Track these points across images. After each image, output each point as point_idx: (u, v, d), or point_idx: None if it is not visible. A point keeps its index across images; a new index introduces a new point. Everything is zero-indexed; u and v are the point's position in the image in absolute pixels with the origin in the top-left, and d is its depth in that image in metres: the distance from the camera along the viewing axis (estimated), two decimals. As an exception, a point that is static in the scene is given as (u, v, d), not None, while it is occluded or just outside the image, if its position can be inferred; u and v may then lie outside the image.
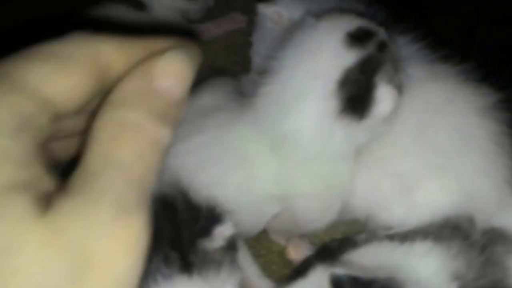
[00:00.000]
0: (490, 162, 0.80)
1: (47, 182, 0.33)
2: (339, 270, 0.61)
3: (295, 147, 0.77)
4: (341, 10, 0.85)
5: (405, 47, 0.89)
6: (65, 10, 1.18)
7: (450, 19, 1.01)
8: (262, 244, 0.91)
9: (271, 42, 0.92)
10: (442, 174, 0.79)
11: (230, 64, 1.26)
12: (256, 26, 1.01)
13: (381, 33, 0.80)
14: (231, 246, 0.69)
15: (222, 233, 0.69)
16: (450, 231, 0.69)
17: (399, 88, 0.79)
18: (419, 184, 0.78)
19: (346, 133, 0.76)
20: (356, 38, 0.77)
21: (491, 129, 0.81)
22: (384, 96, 0.77)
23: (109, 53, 0.39)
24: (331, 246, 0.79)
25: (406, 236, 0.71)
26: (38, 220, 0.30)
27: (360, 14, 0.82)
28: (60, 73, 0.36)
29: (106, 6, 1.24)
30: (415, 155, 0.80)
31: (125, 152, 0.34)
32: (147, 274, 0.64)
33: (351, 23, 0.79)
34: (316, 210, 0.83)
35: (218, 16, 1.36)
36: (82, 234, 0.31)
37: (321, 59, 0.77)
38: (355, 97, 0.76)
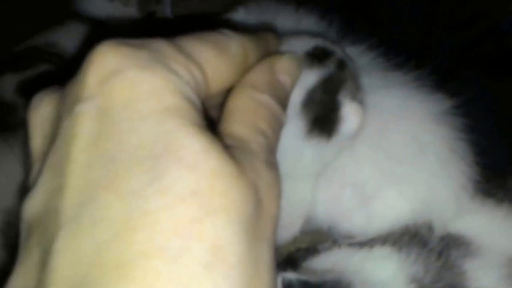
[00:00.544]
0: (446, 168, 0.80)
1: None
2: (291, 275, 0.62)
3: None
4: (294, 29, 0.86)
5: (359, 57, 0.90)
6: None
7: (405, 26, 1.03)
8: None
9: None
10: (400, 182, 0.79)
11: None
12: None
13: (338, 51, 0.80)
14: None
15: None
16: (408, 238, 0.70)
17: (362, 104, 0.80)
18: (377, 193, 0.79)
19: (315, 152, 0.77)
20: (315, 57, 0.77)
21: (447, 135, 0.82)
22: (350, 114, 0.77)
23: (251, 49, 0.47)
24: (295, 256, 0.80)
25: (365, 243, 0.72)
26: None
27: (313, 32, 0.83)
28: (220, 61, 0.43)
29: (68, 26, 1.24)
30: (372, 165, 0.81)
31: (265, 124, 0.43)
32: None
33: (307, 42, 0.79)
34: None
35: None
36: (253, 174, 0.38)
37: None
38: (321, 117, 0.76)
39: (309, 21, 0.96)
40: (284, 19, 0.96)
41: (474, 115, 0.84)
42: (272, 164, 0.42)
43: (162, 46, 0.41)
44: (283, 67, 0.49)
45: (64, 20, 1.25)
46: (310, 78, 0.76)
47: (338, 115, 0.77)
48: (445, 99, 0.84)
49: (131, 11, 1.30)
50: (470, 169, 0.82)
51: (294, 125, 0.76)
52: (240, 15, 0.96)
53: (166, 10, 1.33)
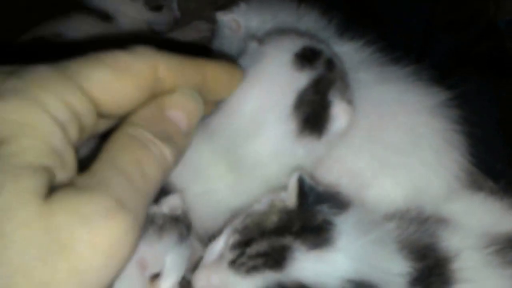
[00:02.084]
0: (439, 159, 0.86)
1: (67, 172, 0.39)
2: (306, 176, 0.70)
3: (254, 167, 0.82)
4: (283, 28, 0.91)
5: (358, 52, 0.96)
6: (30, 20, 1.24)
7: (405, 24, 1.08)
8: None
9: (228, 49, 0.98)
10: (395, 171, 0.85)
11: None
12: (215, 33, 1.07)
13: (326, 50, 0.85)
14: (176, 217, 0.75)
15: (168, 202, 0.76)
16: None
17: (351, 102, 0.85)
18: (374, 180, 0.84)
19: (307, 150, 0.81)
20: (304, 58, 0.82)
21: (441, 126, 0.88)
22: (339, 112, 0.82)
23: (165, 70, 0.45)
24: None
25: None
26: (39, 201, 0.35)
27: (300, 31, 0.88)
28: (116, 82, 0.42)
29: (73, 17, 1.30)
30: (369, 155, 0.86)
31: (129, 159, 0.40)
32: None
33: (296, 43, 0.84)
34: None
35: (183, 25, 1.43)
36: (68, 220, 0.36)
37: (274, 85, 0.82)
38: (312, 117, 0.81)
39: (310, 18, 1.02)
40: (286, 15, 1.02)
41: (469, 109, 0.90)
42: (120, 205, 0.37)
43: (37, 73, 0.39)
44: (174, 102, 0.46)
45: (70, 12, 1.31)
46: (301, 80, 0.81)
47: (328, 114, 0.82)
48: (441, 92, 0.90)
49: (137, 5, 1.36)
50: (463, 159, 0.88)
51: (285, 127, 0.80)
52: (241, 10, 1.02)
53: (173, 4, 1.39)
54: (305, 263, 0.63)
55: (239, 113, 0.81)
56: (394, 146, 0.86)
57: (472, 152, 0.89)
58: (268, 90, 0.82)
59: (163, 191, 0.78)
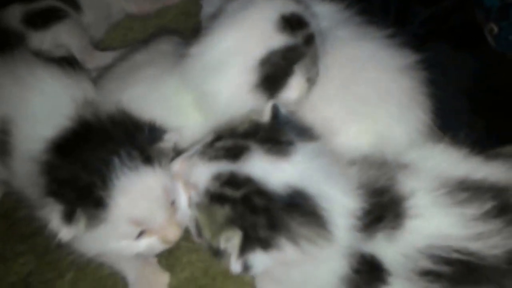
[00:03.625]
0: (403, 112, 0.95)
1: None
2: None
3: (213, 105, 0.92)
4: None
5: (338, 12, 1.05)
6: None
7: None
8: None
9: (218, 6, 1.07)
10: (362, 120, 0.93)
11: (182, 29, 1.40)
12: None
13: (313, 25, 0.93)
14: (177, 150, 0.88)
15: (170, 138, 0.86)
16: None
17: (312, 81, 0.94)
18: (342, 128, 0.92)
19: (255, 105, 0.89)
20: (289, 24, 0.90)
21: (408, 85, 0.97)
22: (295, 85, 0.92)
23: None
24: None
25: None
26: None
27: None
28: None
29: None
30: (339, 103, 0.94)
31: None
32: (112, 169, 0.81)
33: (287, 6, 0.92)
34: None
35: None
36: None
37: (252, 35, 0.91)
38: (271, 78, 0.90)
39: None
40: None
41: (436, 73, 1.00)
42: None
43: None
44: None
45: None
46: (277, 41, 0.90)
47: (286, 81, 0.91)
48: (412, 55, 0.99)
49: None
50: (425, 116, 0.97)
51: (246, 76, 0.90)
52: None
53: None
54: (258, 162, 0.74)
55: (212, 49, 0.91)
56: (363, 97, 0.94)
57: (434, 111, 0.98)
58: (245, 37, 0.91)
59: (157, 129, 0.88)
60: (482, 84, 1.07)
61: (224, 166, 0.75)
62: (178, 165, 0.82)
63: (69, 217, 0.80)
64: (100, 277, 1.02)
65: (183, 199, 0.82)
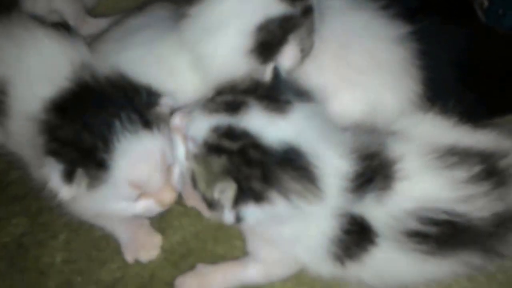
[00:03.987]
0: (395, 82, 0.97)
1: None
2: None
3: (208, 67, 0.93)
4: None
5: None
6: None
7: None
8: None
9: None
10: (354, 88, 0.95)
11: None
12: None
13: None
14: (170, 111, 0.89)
15: (166, 102, 0.88)
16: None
17: (306, 52, 0.95)
18: (335, 95, 0.94)
19: (248, 70, 0.91)
20: None
21: (402, 56, 0.99)
22: (288, 54, 0.93)
23: None
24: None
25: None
26: None
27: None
28: None
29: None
30: (333, 71, 0.96)
31: None
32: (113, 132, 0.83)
33: None
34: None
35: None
36: None
37: (252, 0, 0.92)
38: (266, 44, 0.92)
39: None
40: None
41: (428, 46, 1.03)
42: None
43: None
44: None
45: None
46: (275, 9, 0.91)
47: (280, 49, 0.93)
48: (405, 26, 1.01)
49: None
50: (416, 86, 0.99)
51: (242, 41, 0.91)
52: None
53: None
54: (256, 117, 0.77)
55: (212, 10, 0.92)
56: (356, 66, 0.96)
57: (424, 82, 1.01)
58: (245, 2, 0.92)
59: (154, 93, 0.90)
60: (471, 57, 1.09)
61: (222, 119, 0.77)
62: (178, 118, 0.84)
63: (69, 176, 0.82)
64: (93, 239, 1.04)
65: (181, 152, 0.84)
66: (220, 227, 1.02)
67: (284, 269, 0.92)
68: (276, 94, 0.80)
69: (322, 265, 0.84)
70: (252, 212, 0.75)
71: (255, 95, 0.79)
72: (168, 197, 0.90)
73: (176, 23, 0.98)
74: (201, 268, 0.96)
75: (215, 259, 0.98)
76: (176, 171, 0.91)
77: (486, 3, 1.10)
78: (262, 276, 0.92)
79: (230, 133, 0.76)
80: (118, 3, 1.47)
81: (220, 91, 0.83)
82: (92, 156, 0.83)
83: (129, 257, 1.01)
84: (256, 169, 0.74)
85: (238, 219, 0.76)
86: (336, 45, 0.98)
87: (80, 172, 0.82)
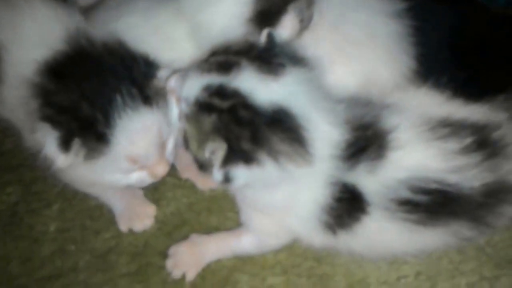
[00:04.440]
0: (390, 55, 0.99)
1: None
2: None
3: (206, 35, 0.95)
4: None
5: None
6: None
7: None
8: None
9: None
10: (349, 59, 0.97)
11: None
12: None
13: None
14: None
15: (163, 74, 0.89)
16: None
17: (305, 23, 0.97)
18: (330, 67, 0.93)
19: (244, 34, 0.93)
20: None
21: (396, 30, 1.01)
22: (287, 23, 0.95)
23: None
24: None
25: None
26: None
27: None
28: None
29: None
30: (328, 43, 0.98)
31: None
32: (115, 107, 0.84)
33: None
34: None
35: None
36: None
37: None
38: (265, 14, 0.93)
39: None
40: None
41: (423, 23, 1.04)
42: None
43: None
44: None
45: None
46: None
47: (279, 19, 0.94)
48: (399, 2, 1.03)
49: None
50: (410, 61, 1.01)
51: (241, 9, 0.93)
52: None
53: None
54: (247, 78, 0.79)
55: None
56: (352, 39, 0.98)
57: (418, 57, 1.03)
58: None
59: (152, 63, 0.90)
60: (463, 36, 1.10)
61: (214, 79, 0.79)
62: (173, 80, 0.86)
63: (66, 144, 0.82)
64: (87, 208, 1.06)
65: (175, 113, 0.86)
66: (214, 198, 1.04)
67: (277, 239, 0.93)
68: (270, 56, 0.81)
69: (314, 234, 0.85)
70: (241, 173, 0.77)
71: (248, 57, 0.80)
72: (161, 169, 0.92)
73: None
74: (195, 237, 0.97)
75: (209, 230, 1.00)
76: (170, 145, 0.92)
77: (481, -20, 1.11)
78: (255, 246, 0.94)
79: (221, 92, 0.78)
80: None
81: (214, 52, 0.84)
82: (92, 128, 0.84)
83: (123, 227, 1.02)
84: (245, 128, 0.76)
85: (227, 179, 0.78)
86: (333, 19, 1.00)
87: (77, 142, 0.83)
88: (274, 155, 0.76)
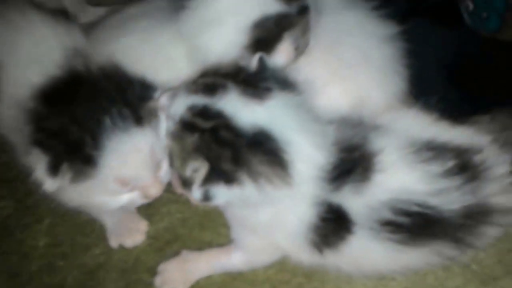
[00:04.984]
0: (383, 78, 1.05)
1: None
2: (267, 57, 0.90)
3: (204, 59, 0.99)
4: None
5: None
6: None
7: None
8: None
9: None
10: (343, 81, 1.02)
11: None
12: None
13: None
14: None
15: (159, 96, 0.92)
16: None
17: (300, 50, 1.02)
18: (324, 89, 1.01)
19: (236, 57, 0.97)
20: None
21: (390, 53, 1.06)
22: (282, 51, 1.00)
23: None
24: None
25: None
26: None
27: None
28: None
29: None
30: (323, 65, 1.03)
31: None
32: (103, 129, 0.87)
33: None
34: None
35: None
36: None
37: None
38: (261, 41, 0.98)
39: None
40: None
41: (416, 45, 1.09)
42: None
43: None
44: None
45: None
46: (271, 7, 0.97)
47: (275, 46, 0.99)
48: (394, 26, 1.08)
49: None
50: (403, 83, 1.07)
51: (238, 36, 0.97)
52: None
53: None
54: (231, 100, 0.83)
55: (211, 4, 0.99)
56: (346, 61, 1.03)
57: (411, 80, 1.09)
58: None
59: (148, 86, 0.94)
60: (457, 58, 1.16)
61: (200, 99, 0.84)
62: (164, 98, 0.90)
63: (54, 169, 0.85)
64: (78, 223, 1.10)
65: (163, 130, 0.90)
66: (207, 214, 1.09)
67: (266, 256, 0.99)
68: (257, 81, 0.86)
69: (302, 252, 0.90)
70: (221, 192, 0.82)
71: (235, 80, 0.85)
72: (155, 191, 0.95)
73: (174, 14, 1.04)
74: (185, 254, 1.03)
75: (201, 246, 1.05)
76: (165, 165, 0.94)
77: (471, 6, 1.17)
78: (244, 263, 0.99)
79: (204, 112, 0.83)
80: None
81: (204, 73, 0.90)
82: (79, 151, 0.86)
83: (113, 242, 1.07)
84: (226, 149, 0.81)
85: (207, 197, 0.83)
86: (328, 41, 1.06)
87: (65, 166, 0.86)
88: (254, 176, 0.81)
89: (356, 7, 1.11)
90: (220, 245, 1.04)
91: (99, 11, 1.39)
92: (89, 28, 1.17)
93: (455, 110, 0.95)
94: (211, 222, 1.08)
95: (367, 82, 1.04)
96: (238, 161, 0.80)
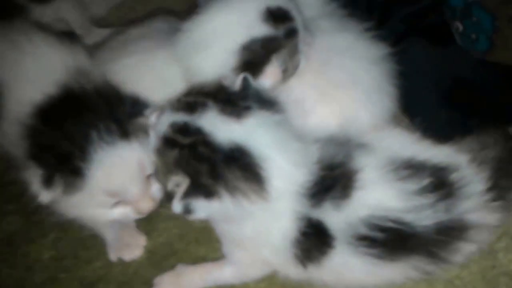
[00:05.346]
0: (370, 99, 1.10)
1: None
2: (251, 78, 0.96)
3: (196, 79, 1.04)
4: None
5: (323, 5, 1.20)
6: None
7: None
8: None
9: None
10: (332, 102, 1.08)
11: (182, 11, 1.52)
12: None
13: (297, 21, 1.07)
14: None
15: (151, 113, 0.98)
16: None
17: (289, 72, 1.07)
18: (313, 109, 1.07)
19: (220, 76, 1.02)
20: (273, 16, 1.04)
21: (379, 75, 1.12)
22: (269, 74, 1.05)
23: None
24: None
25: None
26: None
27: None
28: None
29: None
30: (313, 87, 1.09)
31: None
32: (90, 142, 0.94)
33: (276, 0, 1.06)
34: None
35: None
36: None
37: (238, 21, 1.05)
38: (249, 63, 1.04)
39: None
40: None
41: (408, 66, 1.14)
42: None
43: None
44: None
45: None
46: (259, 30, 1.04)
47: (262, 69, 1.05)
48: (386, 48, 1.14)
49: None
50: (390, 104, 1.12)
51: (227, 58, 1.03)
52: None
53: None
54: (210, 118, 0.90)
55: (201, 28, 1.06)
56: (335, 82, 1.09)
57: (401, 101, 1.15)
58: (231, 22, 1.06)
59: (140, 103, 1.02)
60: (448, 78, 1.20)
61: (180, 117, 0.91)
62: (154, 116, 0.97)
63: (47, 181, 0.93)
64: (81, 238, 1.17)
65: (151, 146, 0.96)
66: (204, 229, 1.14)
67: (256, 270, 1.04)
68: (238, 99, 0.92)
69: (287, 266, 0.96)
70: (202, 205, 0.88)
71: (216, 98, 0.92)
72: (145, 206, 1.01)
73: (172, 36, 1.12)
74: (180, 268, 1.09)
75: (196, 260, 1.11)
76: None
77: (461, 28, 1.22)
78: (236, 277, 1.05)
79: (184, 129, 0.89)
80: (127, 14, 1.62)
81: (188, 92, 0.97)
82: (69, 163, 0.94)
83: (113, 256, 1.14)
84: (204, 164, 0.87)
85: (187, 210, 0.89)
86: (319, 62, 1.12)
87: (57, 178, 0.93)
88: (231, 190, 0.87)
89: (349, 28, 1.17)
90: (215, 259, 1.09)
91: (105, 32, 1.47)
92: (94, 49, 1.26)
93: (445, 131, 1.01)
94: (207, 237, 1.13)
95: (354, 102, 1.09)
96: (216, 176, 0.87)
